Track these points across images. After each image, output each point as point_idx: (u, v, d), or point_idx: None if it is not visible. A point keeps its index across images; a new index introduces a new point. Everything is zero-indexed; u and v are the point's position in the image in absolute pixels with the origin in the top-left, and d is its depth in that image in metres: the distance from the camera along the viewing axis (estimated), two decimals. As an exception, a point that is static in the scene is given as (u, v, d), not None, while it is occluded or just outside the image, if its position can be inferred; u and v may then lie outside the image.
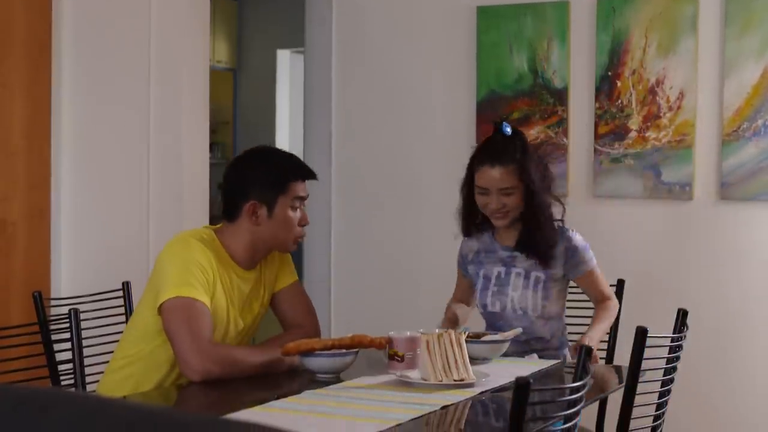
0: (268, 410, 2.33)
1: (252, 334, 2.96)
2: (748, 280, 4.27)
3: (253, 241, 2.84)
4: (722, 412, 4.32)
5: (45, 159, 3.87)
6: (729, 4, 4.23)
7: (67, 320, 2.98)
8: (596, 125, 4.47)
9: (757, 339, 4.27)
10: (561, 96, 4.53)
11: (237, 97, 8.57)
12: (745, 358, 4.29)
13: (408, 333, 2.77)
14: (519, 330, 3.06)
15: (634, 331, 2.71)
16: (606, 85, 4.44)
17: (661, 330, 2.91)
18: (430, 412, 2.31)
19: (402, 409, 2.32)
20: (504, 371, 2.73)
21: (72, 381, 3.00)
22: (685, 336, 2.94)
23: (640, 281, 4.07)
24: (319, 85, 5.07)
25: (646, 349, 2.69)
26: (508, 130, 3.17)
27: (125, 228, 4.11)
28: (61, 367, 3.10)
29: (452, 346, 2.60)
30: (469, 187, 3.20)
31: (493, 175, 3.11)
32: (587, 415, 2.74)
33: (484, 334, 3.02)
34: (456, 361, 2.59)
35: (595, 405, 3.38)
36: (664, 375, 2.86)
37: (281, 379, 2.73)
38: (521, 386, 1.87)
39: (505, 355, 2.99)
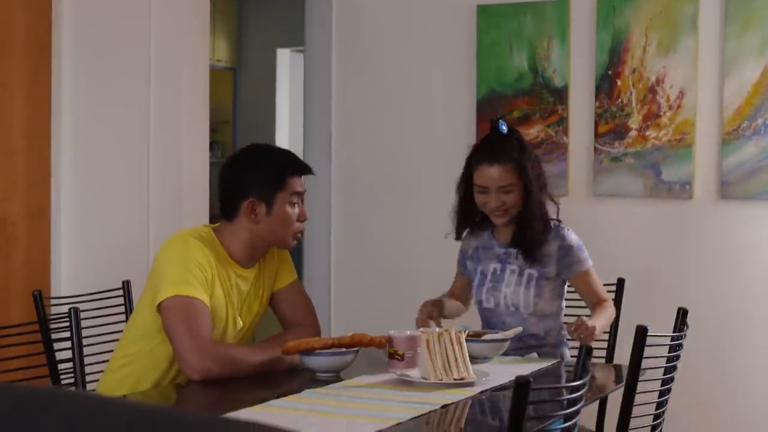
0: (268, 409, 2.33)
1: (252, 333, 2.96)
2: (748, 279, 4.27)
3: (252, 239, 2.84)
4: (722, 412, 4.32)
5: (45, 158, 3.87)
6: (729, 2, 4.23)
7: (67, 319, 2.98)
8: (596, 124, 4.47)
9: (757, 337, 4.27)
10: (561, 95, 4.53)
11: (237, 96, 8.57)
12: (745, 356, 4.29)
13: (408, 332, 2.77)
14: (519, 329, 3.07)
15: (634, 330, 2.71)
16: (606, 84, 4.44)
17: (661, 329, 2.91)
18: (430, 411, 2.31)
19: (402, 408, 2.32)
20: (504, 370, 2.73)
21: (72, 380, 3.00)
22: (685, 335, 2.94)
23: (640, 280, 4.07)
24: (319, 84, 5.07)
25: (646, 348, 2.68)
26: (505, 128, 3.18)
27: (125, 227, 4.11)
28: (61, 366, 3.10)
29: (452, 344, 2.60)
30: (466, 185, 3.21)
31: (491, 174, 3.12)
32: (587, 415, 2.74)
33: (484, 333, 3.02)
34: (456, 359, 2.59)
35: (595, 404, 3.38)
36: (664, 374, 2.86)
37: (281, 378, 2.73)
38: (521, 385, 1.87)
39: (505, 354, 2.99)
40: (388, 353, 2.73)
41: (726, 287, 4.30)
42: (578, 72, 4.50)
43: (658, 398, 2.88)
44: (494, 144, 3.17)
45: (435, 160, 4.79)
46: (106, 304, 3.38)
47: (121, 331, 2.98)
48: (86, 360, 3.01)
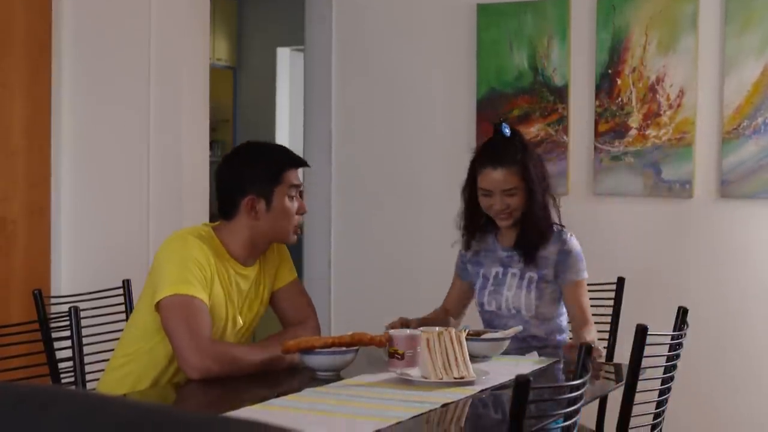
0: (268, 408, 2.33)
1: (252, 332, 2.96)
2: (748, 278, 4.27)
3: (252, 236, 2.84)
4: (722, 411, 4.32)
5: (45, 158, 3.87)
6: (729, 2, 4.23)
7: (68, 318, 2.98)
8: (596, 123, 4.47)
9: (756, 336, 4.27)
10: (561, 94, 4.53)
11: (237, 95, 8.56)
12: (744, 355, 4.29)
13: (408, 331, 2.78)
14: (519, 328, 3.07)
15: (634, 329, 2.71)
16: (606, 83, 4.44)
17: (661, 328, 2.91)
18: (430, 410, 2.31)
19: (402, 407, 2.32)
20: (504, 369, 2.73)
21: (72, 379, 3.00)
22: (685, 334, 2.94)
23: (640, 279, 4.07)
24: (319, 83, 5.07)
25: (646, 347, 2.68)
26: (508, 131, 3.19)
27: (125, 226, 4.11)
28: (61, 365, 3.10)
29: (452, 343, 2.60)
30: (471, 189, 3.22)
31: (495, 177, 3.13)
32: (587, 414, 2.74)
33: (484, 332, 3.02)
34: (456, 358, 2.59)
35: (595, 403, 3.38)
36: (665, 373, 2.86)
37: (281, 377, 2.73)
38: (521, 384, 1.87)
39: (506, 353, 2.99)
40: (388, 352, 2.73)
41: (726, 286, 4.30)
42: (578, 71, 4.50)
43: (658, 397, 2.88)
44: (497, 147, 3.17)
45: (435, 160, 4.79)
46: (106, 303, 3.38)
47: (121, 330, 2.98)
48: (86, 359, 3.01)
